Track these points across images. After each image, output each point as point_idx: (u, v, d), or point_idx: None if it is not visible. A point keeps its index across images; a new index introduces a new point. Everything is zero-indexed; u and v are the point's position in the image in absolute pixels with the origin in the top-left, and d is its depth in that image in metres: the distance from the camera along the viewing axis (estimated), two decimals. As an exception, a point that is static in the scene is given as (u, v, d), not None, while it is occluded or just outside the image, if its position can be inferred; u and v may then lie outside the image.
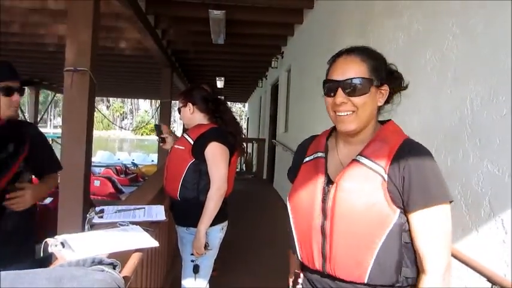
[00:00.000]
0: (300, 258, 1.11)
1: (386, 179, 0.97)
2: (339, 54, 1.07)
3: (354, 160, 1.03)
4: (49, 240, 1.14)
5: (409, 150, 0.99)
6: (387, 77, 1.06)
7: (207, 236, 2.05)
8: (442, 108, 1.67)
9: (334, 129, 1.16)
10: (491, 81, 1.37)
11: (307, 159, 1.16)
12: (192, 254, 2.08)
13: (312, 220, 1.05)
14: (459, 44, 1.58)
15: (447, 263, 0.96)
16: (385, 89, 1.06)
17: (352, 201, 0.98)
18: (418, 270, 0.99)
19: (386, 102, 1.08)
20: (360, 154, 1.02)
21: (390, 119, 1.10)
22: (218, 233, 2.16)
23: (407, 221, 0.97)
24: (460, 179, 1.50)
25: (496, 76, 1.35)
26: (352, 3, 2.88)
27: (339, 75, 1.03)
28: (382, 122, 1.10)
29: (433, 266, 0.95)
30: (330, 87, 1.04)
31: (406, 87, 1.11)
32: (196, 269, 2.09)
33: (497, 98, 1.33)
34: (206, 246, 2.04)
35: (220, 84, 9.86)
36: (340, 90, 1.02)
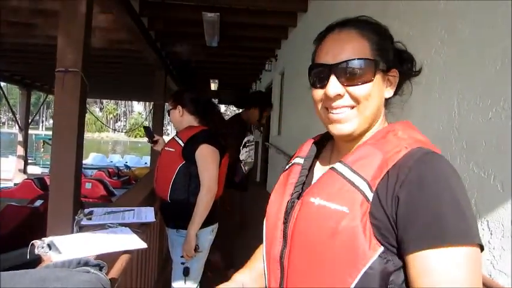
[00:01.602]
0: None
1: (370, 199, 0.66)
2: (330, 29, 0.79)
3: (331, 168, 0.74)
4: (36, 242, 1.13)
5: (414, 161, 0.66)
6: (395, 59, 0.79)
7: (197, 238, 2.05)
8: (430, 111, 1.69)
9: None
10: (477, 85, 1.39)
11: (287, 166, 0.90)
12: (182, 257, 2.08)
13: (272, 245, 0.79)
14: (447, 49, 1.60)
15: None
16: (394, 75, 0.79)
17: (314, 225, 0.70)
18: None
19: (395, 93, 0.82)
20: (341, 160, 0.73)
21: (407, 120, 0.80)
22: (208, 235, 2.16)
23: (404, 267, 0.65)
24: (447, 182, 1.52)
25: (482, 80, 1.37)
26: (344, 7, 2.91)
27: (330, 56, 0.75)
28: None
29: None
30: (319, 74, 0.76)
31: (419, 72, 0.84)
32: (186, 272, 2.09)
33: (484, 102, 1.35)
34: (196, 249, 2.05)
35: (214, 86, 9.86)
36: (333, 78, 0.74)
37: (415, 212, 0.63)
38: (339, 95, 0.74)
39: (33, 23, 4.88)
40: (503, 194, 1.24)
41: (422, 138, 0.74)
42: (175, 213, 2.15)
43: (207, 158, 2.06)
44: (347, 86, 0.74)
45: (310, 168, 0.86)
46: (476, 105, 1.39)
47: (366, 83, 0.73)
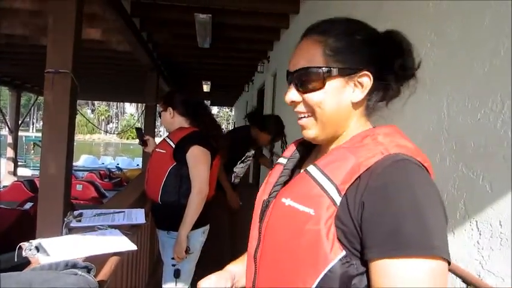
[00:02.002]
0: None
1: (337, 203, 0.66)
2: (302, 36, 0.81)
3: (305, 170, 0.74)
4: (23, 245, 1.12)
5: (384, 168, 0.66)
6: (372, 59, 0.75)
7: (188, 240, 2.04)
8: (421, 112, 1.70)
9: None
10: (466, 87, 1.41)
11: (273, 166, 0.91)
12: (173, 258, 2.07)
13: (250, 243, 0.82)
14: (436, 51, 1.61)
15: None
16: (366, 78, 0.75)
17: (283, 225, 0.71)
18: None
19: (384, 96, 0.79)
20: (314, 163, 0.73)
21: (393, 125, 0.78)
22: (199, 237, 2.15)
23: (367, 272, 0.65)
24: (437, 182, 1.52)
25: (471, 82, 1.38)
26: (336, 9, 2.92)
27: (291, 65, 0.79)
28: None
29: None
30: (287, 80, 0.80)
31: (411, 74, 0.79)
32: (177, 274, 2.08)
33: (472, 103, 1.37)
34: (187, 250, 2.04)
35: (206, 88, 9.85)
36: (291, 86, 0.78)
37: (377, 219, 0.63)
38: (294, 101, 0.77)
39: (22, 23, 4.83)
40: (492, 194, 1.25)
41: (407, 144, 0.72)
42: (166, 214, 2.14)
43: (198, 159, 2.06)
44: (303, 93, 0.76)
45: (296, 169, 0.88)
46: (465, 107, 1.40)
47: (316, 90, 0.74)
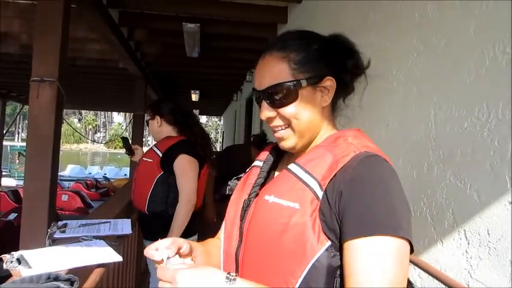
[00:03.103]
0: None
1: (320, 197, 0.71)
2: (262, 52, 0.84)
3: (286, 169, 0.79)
4: (4, 257, 1.09)
5: (358, 162, 0.72)
6: (330, 64, 0.81)
7: (176, 251, 2.01)
8: (408, 121, 1.71)
9: None
10: (453, 96, 1.42)
11: (247, 170, 0.95)
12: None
13: (229, 243, 0.83)
14: (423, 60, 1.63)
15: None
16: (330, 83, 0.81)
17: (268, 221, 0.74)
18: None
19: (343, 97, 0.87)
20: (294, 161, 0.79)
21: (357, 128, 0.85)
22: (187, 248, 2.12)
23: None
24: (425, 191, 1.53)
25: (457, 91, 1.40)
26: (324, 19, 2.95)
27: (257, 83, 0.82)
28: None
29: None
30: (256, 98, 0.84)
31: (366, 67, 0.87)
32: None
33: (459, 112, 1.38)
34: (175, 261, 2.00)
35: (195, 97, 9.83)
36: (264, 103, 0.81)
37: (350, 205, 0.69)
38: (270, 117, 0.81)
39: (7, 31, 4.77)
40: (480, 203, 1.25)
41: (371, 145, 0.79)
42: (153, 224, 2.11)
43: (185, 168, 2.04)
44: (276, 108, 0.80)
45: (271, 171, 0.91)
46: (452, 116, 1.41)
47: (291, 103, 0.79)
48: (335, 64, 0.82)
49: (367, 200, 0.68)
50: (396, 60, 1.84)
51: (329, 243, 0.69)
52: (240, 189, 0.89)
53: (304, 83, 0.78)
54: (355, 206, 0.69)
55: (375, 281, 0.63)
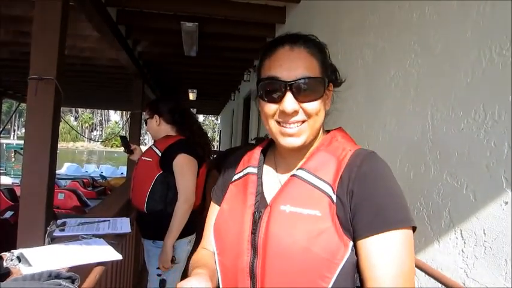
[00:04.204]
0: None
1: (334, 201, 0.73)
2: (280, 43, 0.82)
3: (293, 176, 0.79)
4: (4, 255, 1.09)
5: (361, 160, 0.76)
6: (331, 74, 0.86)
7: (174, 250, 2.02)
8: (405, 122, 1.73)
9: (272, 141, 0.92)
10: (450, 97, 1.44)
11: (236, 176, 0.90)
12: (158, 268, 2.04)
13: (239, 257, 0.78)
14: (420, 62, 1.64)
15: None
16: (330, 89, 0.86)
17: (290, 231, 0.73)
18: None
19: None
20: (301, 168, 0.79)
21: (340, 126, 0.90)
22: (185, 246, 2.13)
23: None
24: (422, 191, 1.55)
25: (454, 92, 1.41)
26: (322, 20, 2.96)
27: (285, 73, 0.78)
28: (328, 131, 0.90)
29: None
30: (274, 88, 0.78)
31: (340, 84, 0.89)
32: (162, 284, 2.05)
33: (456, 114, 1.39)
34: (173, 260, 2.01)
35: (192, 96, 9.82)
36: (289, 94, 0.77)
37: (362, 203, 0.72)
38: (296, 111, 0.78)
39: (5, 28, 4.75)
40: (476, 203, 1.27)
41: (354, 141, 0.86)
42: (151, 223, 2.11)
43: (184, 167, 2.04)
44: (301, 102, 0.78)
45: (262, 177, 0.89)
46: (449, 117, 1.43)
47: (317, 99, 0.79)
48: (332, 74, 0.86)
49: (377, 197, 0.72)
50: (394, 61, 1.86)
51: (351, 243, 0.72)
52: (239, 200, 0.84)
53: (327, 82, 0.82)
54: (367, 203, 0.72)
55: (394, 274, 0.68)
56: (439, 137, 1.49)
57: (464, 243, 1.31)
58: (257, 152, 0.91)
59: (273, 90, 0.79)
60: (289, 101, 0.77)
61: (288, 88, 0.77)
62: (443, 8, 1.51)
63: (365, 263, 0.71)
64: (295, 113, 0.78)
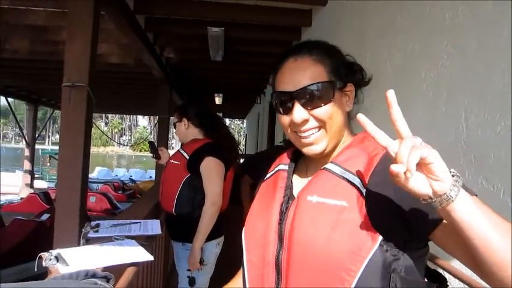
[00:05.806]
0: None
1: (364, 193, 0.72)
2: (286, 55, 0.85)
3: (322, 169, 0.80)
4: (43, 255, 1.13)
5: None
6: (349, 73, 0.87)
7: (203, 252, 2.04)
8: (437, 124, 1.69)
9: None
10: (485, 99, 1.39)
11: (268, 175, 0.94)
12: (188, 270, 2.07)
13: (265, 249, 0.79)
14: (453, 63, 1.60)
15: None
16: (351, 89, 0.86)
17: (315, 221, 0.73)
18: None
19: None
20: (330, 161, 0.80)
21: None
22: (214, 249, 2.14)
23: (402, 255, 0.69)
24: (455, 195, 1.50)
25: (490, 94, 1.37)
26: (349, 23, 2.93)
27: (289, 84, 0.81)
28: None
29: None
30: (282, 102, 0.82)
31: (368, 82, 0.90)
32: (192, 282, 2.07)
33: (492, 116, 1.35)
34: (202, 262, 2.03)
35: (218, 100, 9.91)
36: (297, 104, 0.80)
37: (410, 203, 0.68)
38: (305, 119, 0.80)
39: (40, 38, 4.95)
40: (513, 207, 1.22)
41: None
42: (180, 226, 2.14)
43: (211, 170, 2.06)
44: (310, 109, 0.80)
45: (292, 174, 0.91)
46: (485, 119, 1.38)
47: (327, 103, 0.80)
48: (352, 73, 0.87)
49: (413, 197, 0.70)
50: (425, 63, 1.82)
51: (381, 238, 0.68)
52: (269, 194, 0.87)
53: (338, 84, 0.82)
54: (414, 203, 0.67)
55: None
56: (473, 140, 1.44)
57: (502, 249, 1.26)
58: (289, 152, 0.94)
59: (283, 102, 0.82)
60: (297, 111, 0.80)
61: (295, 98, 0.80)
62: (478, 8, 1.46)
63: (449, 244, 0.70)
64: (305, 121, 0.80)
